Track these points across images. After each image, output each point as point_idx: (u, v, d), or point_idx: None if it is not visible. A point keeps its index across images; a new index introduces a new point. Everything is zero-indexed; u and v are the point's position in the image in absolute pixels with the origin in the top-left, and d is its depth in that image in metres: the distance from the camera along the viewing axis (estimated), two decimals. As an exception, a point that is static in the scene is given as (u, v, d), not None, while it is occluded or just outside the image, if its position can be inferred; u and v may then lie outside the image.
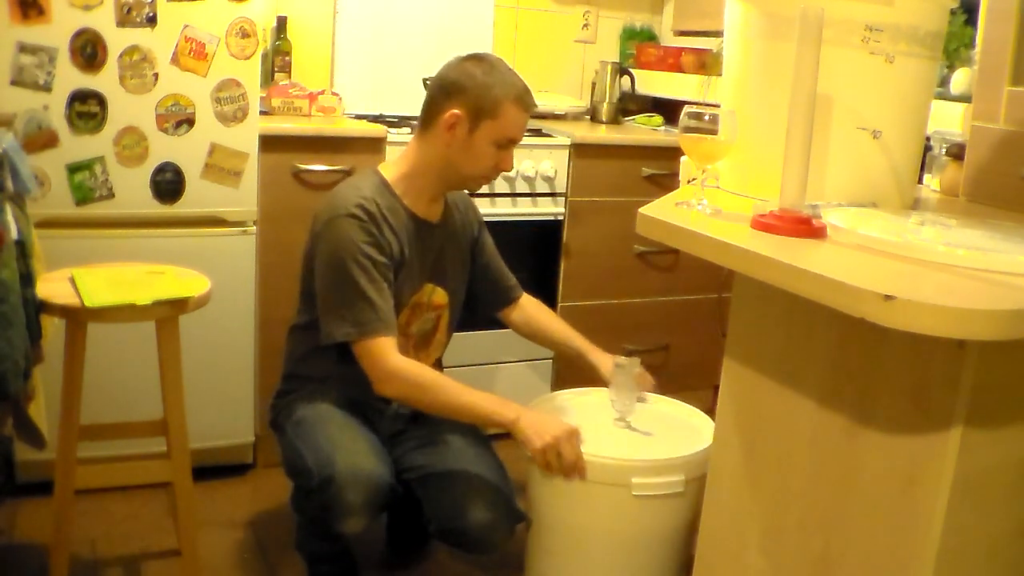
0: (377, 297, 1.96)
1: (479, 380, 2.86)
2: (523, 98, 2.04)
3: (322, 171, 2.70)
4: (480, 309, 2.38)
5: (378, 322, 1.96)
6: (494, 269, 2.35)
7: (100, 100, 2.37)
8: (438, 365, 2.28)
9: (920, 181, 1.93)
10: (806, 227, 1.37)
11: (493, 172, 2.08)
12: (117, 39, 2.35)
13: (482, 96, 2.00)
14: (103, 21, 2.32)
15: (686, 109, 1.53)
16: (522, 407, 2.00)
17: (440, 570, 2.37)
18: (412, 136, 2.15)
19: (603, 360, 2.25)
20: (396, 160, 2.14)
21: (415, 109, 3.27)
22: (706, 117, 1.51)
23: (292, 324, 2.20)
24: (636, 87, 3.59)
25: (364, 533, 1.96)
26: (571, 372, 3.08)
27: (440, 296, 2.19)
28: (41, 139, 2.33)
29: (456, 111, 2.01)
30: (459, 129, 2.02)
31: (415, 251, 2.09)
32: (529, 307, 2.39)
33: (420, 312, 2.16)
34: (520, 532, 2.06)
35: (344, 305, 1.96)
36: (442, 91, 2.06)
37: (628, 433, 2.10)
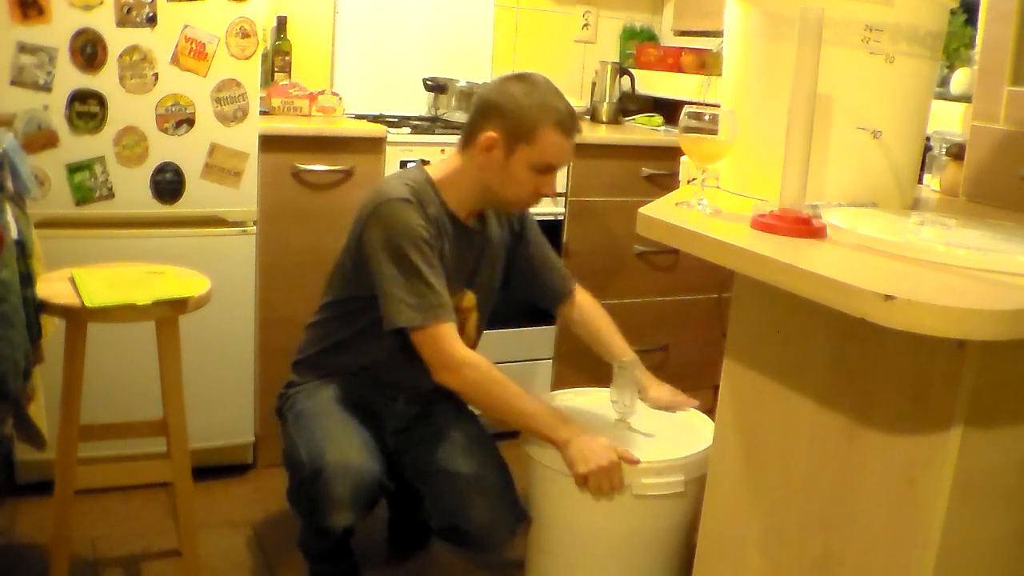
0: (437, 282, 1.93)
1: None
2: (564, 122, 1.96)
3: (322, 171, 2.70)
4: (539, 304, 2.36)
5: (441, 308, 1.92)
6: (538, 263, 2.28)
7: (100, 100, 2.37)
8: None
9: (920, 181, 1.93)
10: (806, 227, 1.37)
11: (532, 197, 2.03)
12: (117, 39, 2.35)
13: (519, 119, 1.94)
14: (103, 21, 2.32)
15: (686, 109, 1.53)
16: (577, 428, 1.93)
17: (441, 569, 2.37)
18: (454, 150, 2.10)
19: (651, 386, 2.21)
20: (439, 164, 2.10)
21: (415, 109, 3.33)
22: (706, 117, 1.51)
23: (309, 321, 2.20)
24: (636, 87, 3.59)
25: (363, 531, 1.97)
26: (572, 372, 3.09)
27: (468, 299, 2.16)
28: (41, 139, 2.33)
29: (492, 133, 1.96)
30: (496, 152, 1.97)
31: (453, 253, 2.05)
32: (588, 309, 2.32)
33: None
34: (520, 537, 2.07)
35: (408, 290, 1.91)
36: (481, 111, 2.00)
37: (628, 433, 2.10)
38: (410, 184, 2.00)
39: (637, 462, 1.90)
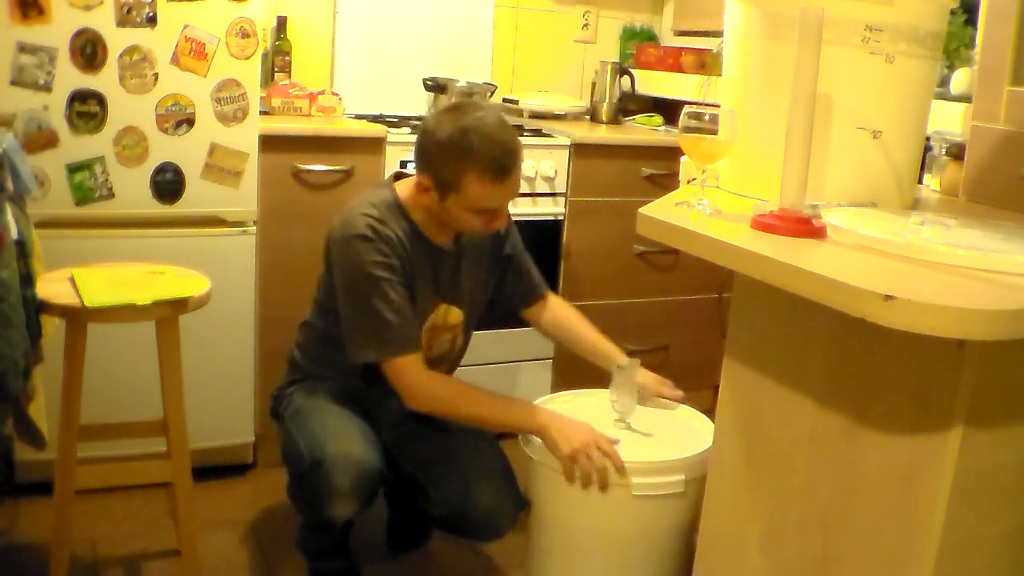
0: (395, 316, 1.95)
1: (479, 380, 2.84)
2: (488, 168, 1.88)
3: (322, 171, 2.70)
4: (502, 305, 2.32)
5: (397, 342, 1.96)
6: (516, 265, 2.28)
7: (100, 100, 2.37)
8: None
9: (920, 181, 1.93)
10: (806, 227, 1.37)
11: (485, 229, 2.02)
12: (117, 39, 2.35)
13: (443, 169, 1.91)
14: (103, 21, 2.32)
15: (686, 109, 1.53)
16: (552, 412, 1.98)
17: (440, 568, 2.37)
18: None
19: (648, 381, 2.20)
20: (408, 183, 2.08)
21: (415, 109, 3.33)
22: (706, 117, 1.51)
23: (304, 320, 2.22)
24: (636, 87, 3.59)
25: (363, 530, 1.97)
26: (572, 373, 3.08)
27: (455, 315, 2.17)
28: (41, 139, 2.33)
29: (423, 179, 1.96)
30: (432, 194, 1.96)
31: (425, 273, 2.06)
32: (559, 309, 2.33)
33: (438, 334, 2.16)
34: (520, 529, 2.07)
35: (363, 328, 1.97)
36: (416, 152, 1.99)
37: (628, 434, 2.10)
38: (375, 210, 1.99)
39: (615, 441, 1.92)
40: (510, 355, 3.05)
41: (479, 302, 2.23)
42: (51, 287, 1.95)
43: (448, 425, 2.10)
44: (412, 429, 2.14)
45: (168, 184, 2.49)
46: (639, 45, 3.68)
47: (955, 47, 2.37)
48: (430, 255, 2.07)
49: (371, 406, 2.12)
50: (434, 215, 2.02)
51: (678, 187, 1.89)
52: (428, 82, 3.24)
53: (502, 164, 1.89)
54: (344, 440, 1.94)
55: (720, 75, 2.19)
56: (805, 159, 1.37)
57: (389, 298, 1.95)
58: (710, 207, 1.51)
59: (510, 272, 2.28)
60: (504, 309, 2.36)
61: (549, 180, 3.02)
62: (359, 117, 3.09)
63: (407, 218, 2.03)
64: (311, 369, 2.17)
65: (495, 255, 2.23)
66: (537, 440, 2.00)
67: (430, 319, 2.12)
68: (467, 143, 1.87)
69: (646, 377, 2.21)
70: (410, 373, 1.97)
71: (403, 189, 2.07)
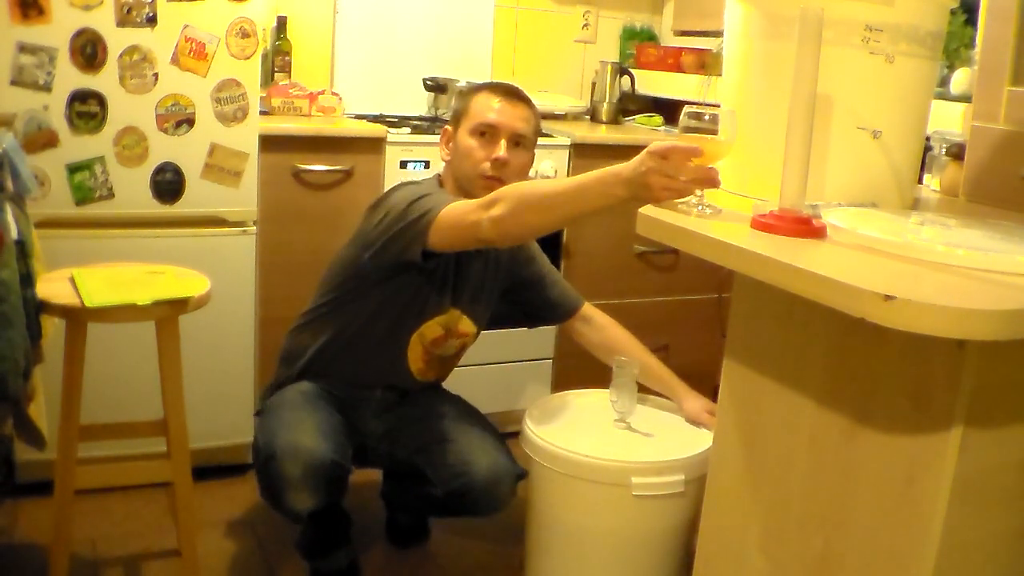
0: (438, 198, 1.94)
1: (479, 380, 2.86)
2: (494, 87, 2.14)
3: (322, 171, 2.70)
4: (544, 320, 2.41)
5: (447, 201, 1.92)
6: (538, 289, 2.32)
7: (100, 100, 2.37)
8: (439, 380, 2.31)
9: (920, 181, 1.93)
10: (806, 227, 1.37)
11: (485, 165, 2.06)
12: (117, 39, 2.35)
13: (459, 101, 2.16)
14: (103, 21, 2.32)
15: (686, 109, 1.52)
16: (619, 173, 1.63)
17: (441, 567, 2.37)
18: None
19: (687, 400, 2.20)
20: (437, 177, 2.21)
21: (415, 109, 3.32)
22: (706, 117, 1.50)
23: (292, 327, 2.23)
24: (636, 87, 3.59)
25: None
26: (572, 373, 3.08)
27: (467, 325, 2.19)
28: (41, 139, 2.33)
29: (446, 128, 2.17)
30: (449, 139, 2.14)
31: (450, 270, 2.10)
32: (605, 326, 2.34)
33: (450, 338, 2.18)
34: (520, 531, 2.07)
35: (418, 209, 1.91)
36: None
37: (628, 434, 2.11)
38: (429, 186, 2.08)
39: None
40: (510, 355, 3.04)
41: (485, 318, 2.25)
42: (51, 287, 1.95)
43: (438, 409, 2.15)
44: (399, 415, 2.17)
45: (168, 184, 2.49)
46: (639, 45, 3.68)
47: (955, 47, 2.37)
48: (460, 254, 2.08)
49: (354, 405, 2.15)
50: (455, 181, 2.11)
51: (678, 187, 1.88)
52: (428, 82, 3.24)
53: (508, 88, 2.15)
54: (295, 432, 1.96)
55: (720, 75, 2.19)
56: (805, 159, 1.37)
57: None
58: (710, 207, 1.51)
59: (531, 294, 2.32)
60: (546, 322, 2.43)
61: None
62: (359, 117, 3.09)
63: None
64: (291, 371, 2.19)
65: (512, 273, 2.26)
66: (537, 440, 2.00)
67: (445, 321, 2.13)
68: (486, 83, 2.21)
69: (694, 405, 2.19)
70: (463, 208, 1.85)
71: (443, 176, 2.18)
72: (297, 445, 1.93)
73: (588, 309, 2.36)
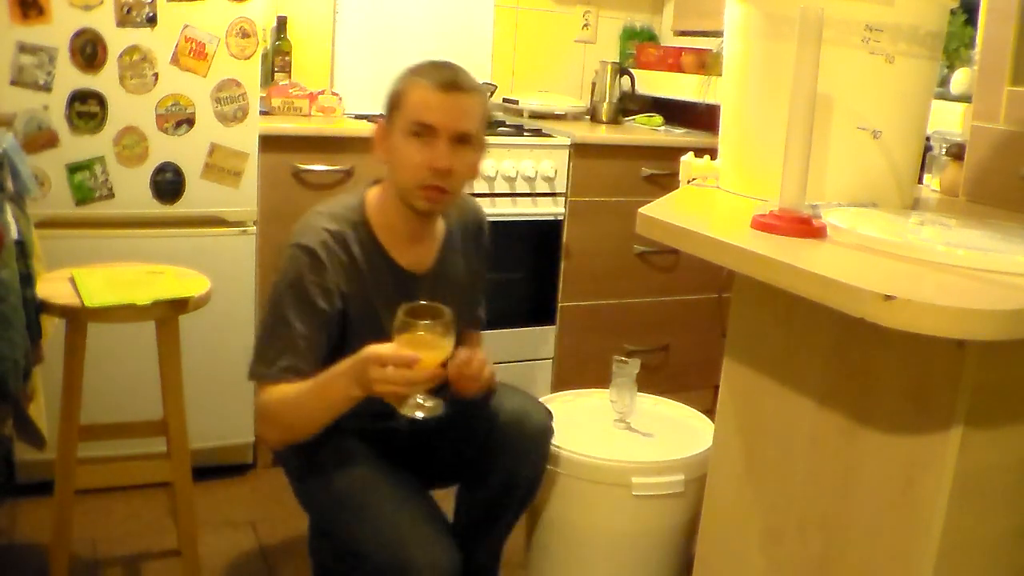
0: (301, 341, 1.73)
1: (479, 380, 2.85)
2: (429, 75, 1.75)
3: (322, 171, 2.70)
4: None
5: (277, 370, 1.72)
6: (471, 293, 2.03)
7: (100, 100, 2.37)
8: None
9: (920, 181, 1.93)
10: (806, 227, 1.37)
11: (424, 173, 1.74)
12: (117, 39, 2.35)
13: (392, 91, 1.81)
14: (103, 21, 2.32)
15: (403, 307, 1.53)
16: (344, 375, 1.63)
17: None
18: None
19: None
20: (378, 187, 1.89)
21: (415, 109, 3.31)
22: (423, 323, 1.53)
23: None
24: (636, 87, 3.59)
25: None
26: (572, 373, 3.09)
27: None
28: (41, 139, 2.33)
29: (380, 120, 1.84)
30: (382, 137, 1.81)
31: (383, 292, 1.81)
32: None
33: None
34: (520, 531, 2.06)
35: (261, 341, 1.77)
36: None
37: (628, 434, 2.11)
38: (334, 224, 1.79)
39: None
40: (510, 355, 3.04)
41: (476, 308, 2.06)
42: (51, 287, 1.95)
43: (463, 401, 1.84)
44: (444, 441, 1.93)
45: (168, 184, 2.49)
46: (639, 45, 3.68)
47: (955, 47, 2.37)
48: (398, 281, 1.83)
49: (386, 437, 1.89)
50: (393, 190, 1.80)
51: (678, 187, 1.89)
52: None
53: (446, 75, 1.77)
54: (427, 541, 1.69)
55: (720, 75, 2.19)
56: (805, 159, 1.37)
57: (305, 319, 1.74)
58: (421, 405, 1.55)
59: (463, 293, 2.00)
60: None
61: (549, 180, 3.02)
62: (359, 117, 3.09)
63: (372, 236, 1.82)
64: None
65: (476, 283, 2.01)
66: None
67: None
68: (418, 67, 1.81)
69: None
70: (259, 399, 1.74)
71: (372, 193, 1.87)
72: (435, 563, 1.66)
73: (473, 338, 2.09)
